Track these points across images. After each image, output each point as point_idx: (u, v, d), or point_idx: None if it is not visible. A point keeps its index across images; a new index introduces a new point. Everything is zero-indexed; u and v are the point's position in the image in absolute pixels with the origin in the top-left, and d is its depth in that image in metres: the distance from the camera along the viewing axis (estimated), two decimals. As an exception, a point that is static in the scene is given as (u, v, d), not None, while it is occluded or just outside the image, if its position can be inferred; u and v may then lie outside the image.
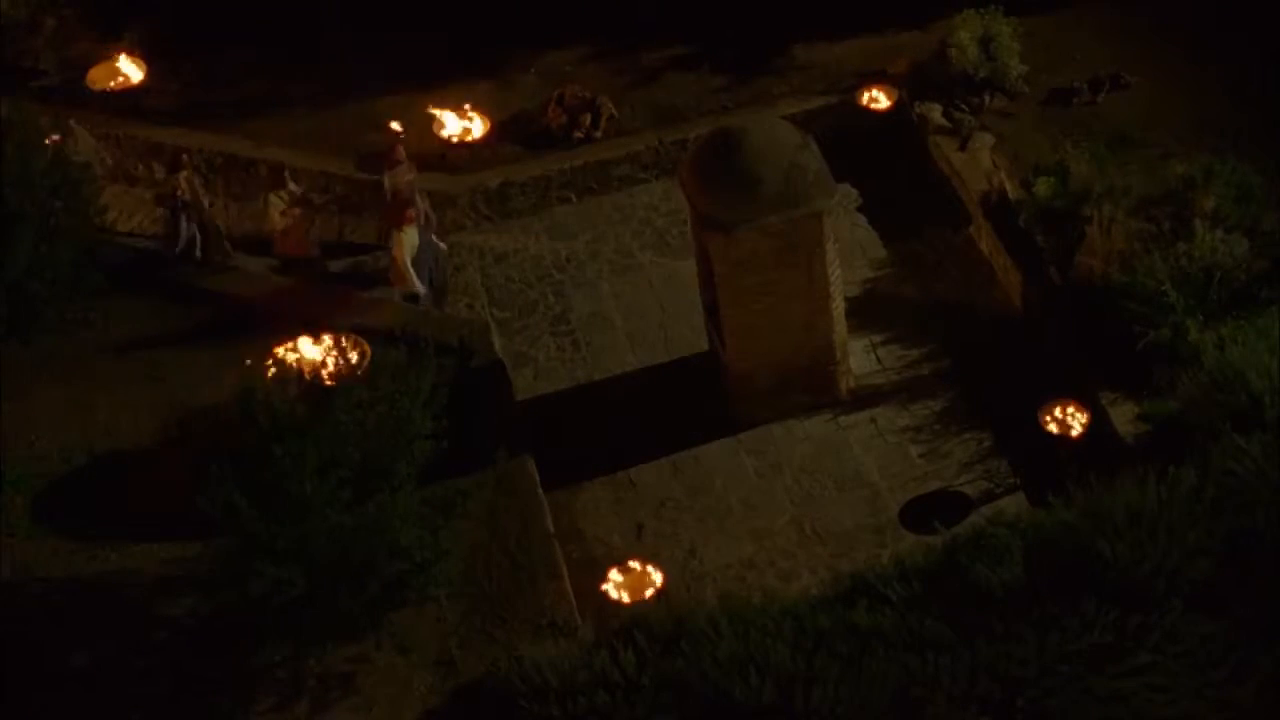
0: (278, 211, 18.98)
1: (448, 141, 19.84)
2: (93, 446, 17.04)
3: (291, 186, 19.10)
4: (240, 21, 21.93)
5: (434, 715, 14.70)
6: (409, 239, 18.07)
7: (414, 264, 18.17)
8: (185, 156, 19.34)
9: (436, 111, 19.58)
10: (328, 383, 15.28)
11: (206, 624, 15.10)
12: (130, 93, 20.92)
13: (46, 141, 18.34)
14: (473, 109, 19.81)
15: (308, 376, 15.57)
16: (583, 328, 19.01)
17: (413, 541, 14.47)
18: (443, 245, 18.86)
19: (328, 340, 15.83)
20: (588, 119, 20.70)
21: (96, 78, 20.85)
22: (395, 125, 19.29)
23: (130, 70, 20.75)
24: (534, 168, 20.41)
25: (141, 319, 18.32)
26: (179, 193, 18.88)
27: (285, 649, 14.80)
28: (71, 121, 19.65)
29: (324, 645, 14.86)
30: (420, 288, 18.33)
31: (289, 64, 21.72)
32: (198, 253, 19.04)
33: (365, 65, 21.51)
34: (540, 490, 16.50)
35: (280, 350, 16.04)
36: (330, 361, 15.54)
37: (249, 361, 15.62)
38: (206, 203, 19.28)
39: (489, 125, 19.92)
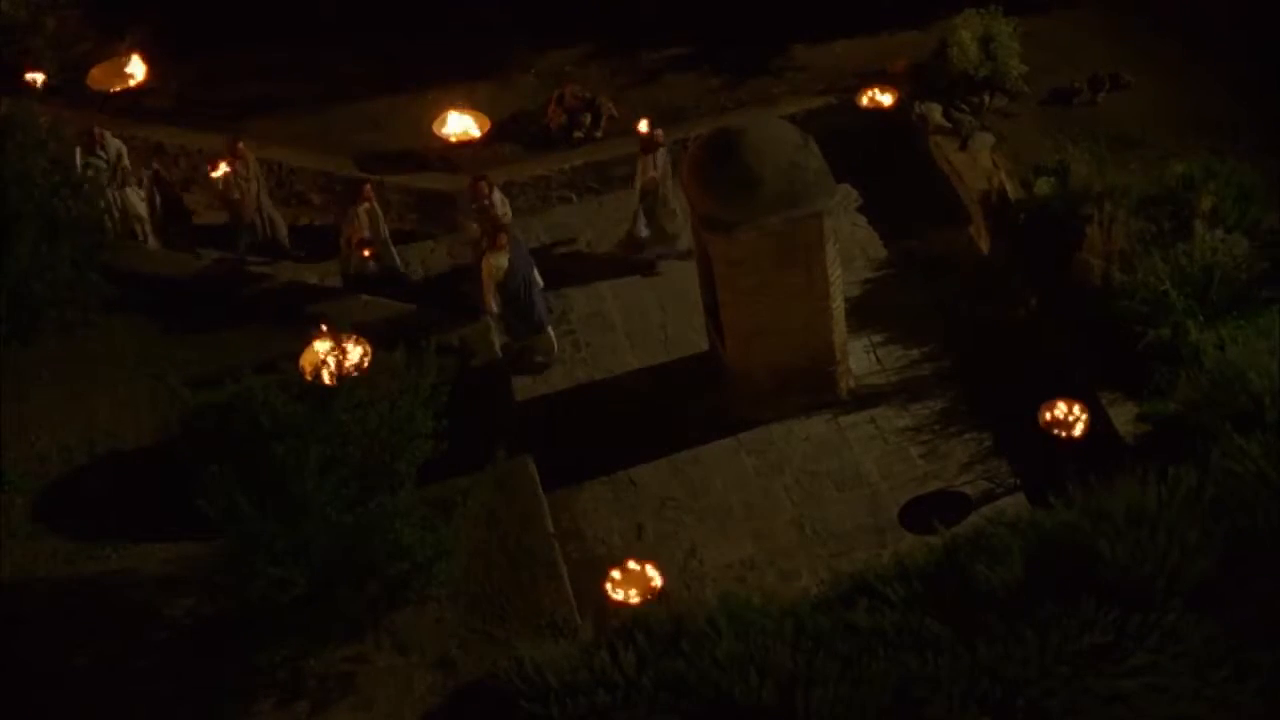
0: (364, 225, 18.82)
1: (447, 141, 19.87)
2: (93, 446, 17.05)
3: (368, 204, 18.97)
4: (240, 21, 21.96)
5: (434, 715, 14.69)
6: (497, 261, 17.83)
7: (501, 288, 17.92)
8: (367, 186, 19.08)
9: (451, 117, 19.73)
10: (328, 382, 15.27)
11: (206, 624, 15.10)
12: (130, 93, 20.97)
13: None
14: (473, 109, 19.91)
15: (309, 376, 15.57)
16: (583, 328, 19.01)
17: (413, 541, 14.48)
18: (539, 280, 18.47)
19: (328, 340, 15.79)
20: (588, 119, 20.71)
21: (96, 78, 20.89)
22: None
23: (130, 70, 20.80)
24: (534, 168, 20.41)
25: (142, 319, 18.33)
26: (358, 229, 18.84)
27: (285, 649, 14.80)
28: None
29: (324, 645, 14.87)
30: (494, 308, 18.10)
31: (289, 64, 21.74)
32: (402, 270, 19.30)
33: (365, 65, 21.53)
34: (540, 490, 16.50)
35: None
36: (331, 361, 15.51)
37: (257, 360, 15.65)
38: (385, 231, 19.26)
39: (488, 125, 19.98)
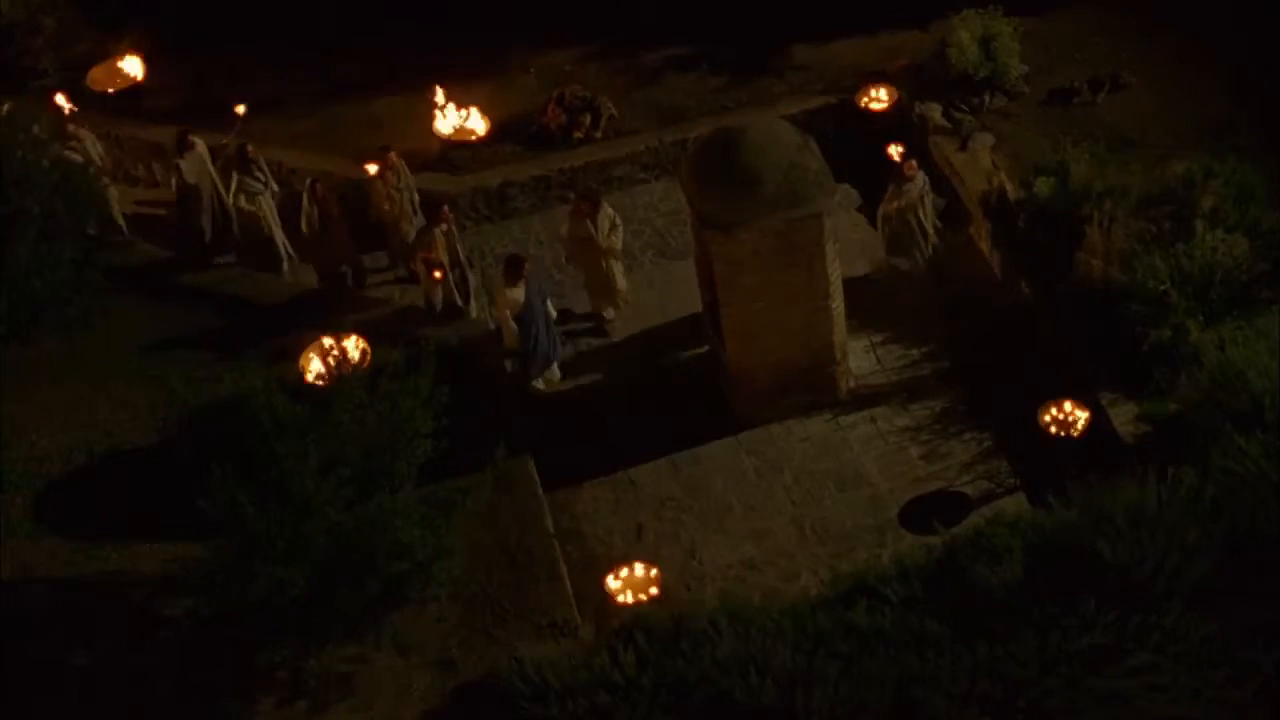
0: (441, 247, 18.51)
1: (447, 140, 19.86)
2: (93, 446, 17.04)
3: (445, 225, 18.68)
4: (240, 21, 21.95)
5: (434, 715, 14.69)
6: (514, 295, 17.73)
7: (519, 321, 17.84)
8: (445, 208, 18.66)
9: (439, 100, 19.61)
10: (328, 382, 15.28)
11: (207, 624, 15.09)
12: (130, 93, 20.96)
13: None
14: (473, 108, 19.89)
15: (309, 376, 15.58)
16: (583, 328, 18.99)
17: (413, 541, 14.47)
18: (553, 312, 18.45)
19: (329, 340, 15.82)
20: (588, 119, 20.71)
21: (96, 78, 20.89)
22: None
23: (130, 70, 20.80)
24: (534, 168, 20.42)
25: (142, 319, 18.33)
26: (436, 252, 18.45)
27: (285, 649, 14.78)
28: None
29: (324, 645, 14.86)
30: (513, 340, 17.99)
31: (289, 64, 21.74)
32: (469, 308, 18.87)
33: (365, 65, 21.53)
34: (540, 490, 16.51)
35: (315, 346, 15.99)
36: (331, 361, 15.52)
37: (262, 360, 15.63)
38: (464, 255, 18.93)
39: (489, 125, 19.98)
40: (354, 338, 16.04)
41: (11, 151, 17.37)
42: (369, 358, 15.81)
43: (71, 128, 19.49)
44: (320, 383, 15.44)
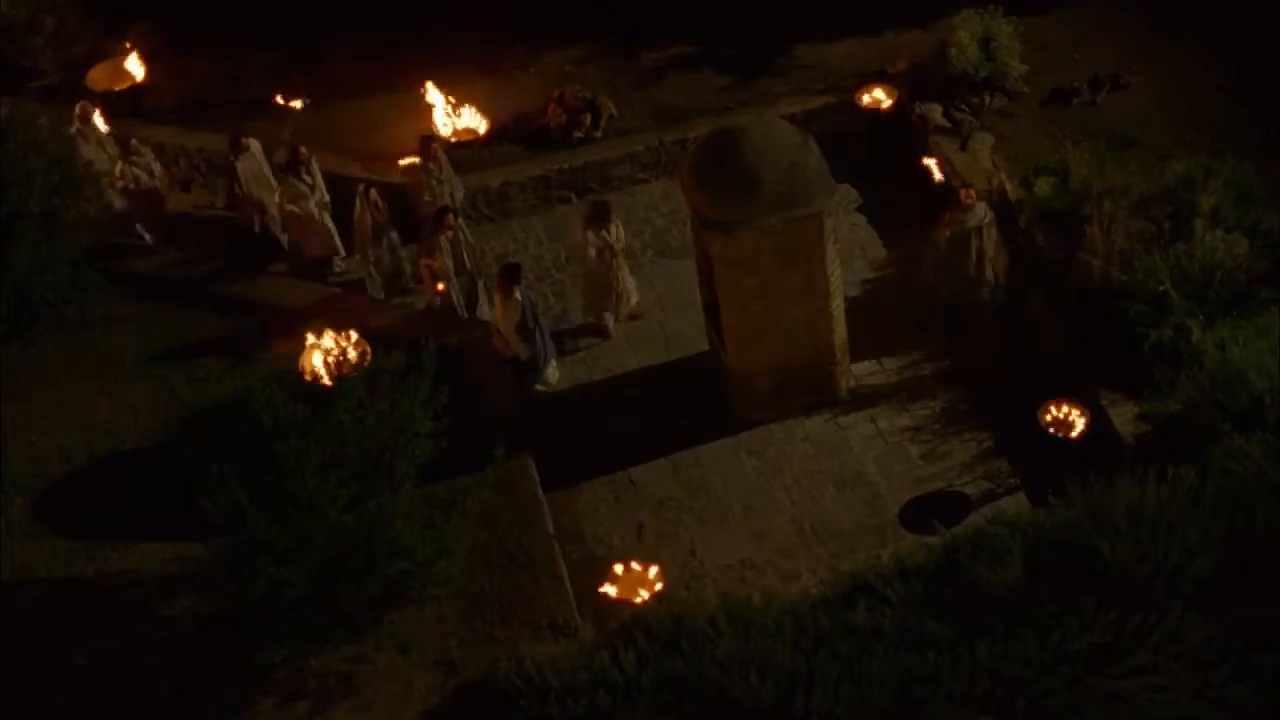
0: (447, 253, 18.41)
1: (447, 140, 19.86)
2: (93, 446, 17.05)
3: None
4: (240, 21, 21.95)
5: (434, 715, 14.69)
6: (513, 303, 17.58)
7: (521, 329, 17.74)
8: (450, 215, 18.19)
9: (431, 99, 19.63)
10: (328, 382, 15.27)
11: (206, 624, 15.10)
12: (130, 92, 20.97)
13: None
14: (470, 107, 19.89)
15: (309, 376, 15.57)
16: (582, 328, 18.99)
17: (413, 541, 14.47)
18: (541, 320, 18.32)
19: (329, 340, 15.81)
20: (588, 119, 20.70)
21: (97, 78, 20.89)
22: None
23: (131, 70, 20.80)
24: (534, 168, 20.41)
25: (142, 319, 18.34)
26: (440, 259, 18.23)
27: (285, 649, 14.79)
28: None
29: (324, 645, 14.86)
30: (522, 351, 17.91)
31: (289, 64, 21.73)
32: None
33: (365, 65, 21.52)
34: (540, 490, 16.50)
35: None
36: (331, 361, 15.52)
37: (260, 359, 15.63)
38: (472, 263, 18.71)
39: (489, 125, 19.98)
40: (354, 337, 16.02)
41: (11, 152, 17.38)
42: (369, 358, 15.80)
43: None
44: (320, 383, 15.43)
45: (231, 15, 22.01)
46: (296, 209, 19.19)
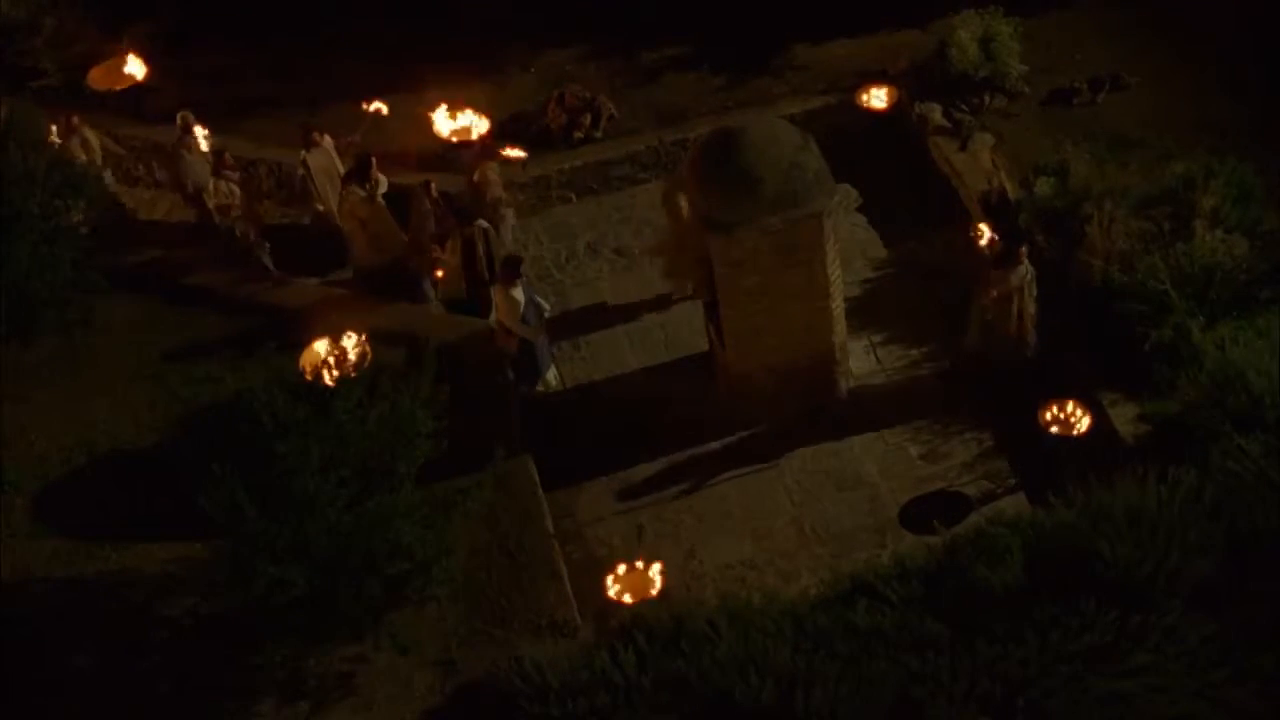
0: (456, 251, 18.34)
1: (447, 141, 19.84)
2: (93, 446, 17.04)
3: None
4: (240, 21, 21.95)
5: (434, 715, 14.69)
6: (514, 296, 17.44)
7: (525, 322, 17.64)
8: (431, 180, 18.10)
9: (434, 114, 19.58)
10: (328, 382, 15.28)
11: (206, 624, 15.10)
12: (130, 93, 20.96)
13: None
14: (471, 108, 19.86)
15: (309, 376, 15.58)
16: (582, 328, 19.00)
17: (413, 541, 14.47)
18: (546, 305, 18.24)
19: (329, 340, 15.82)
20: (588, 119, 20.71)
21: (96, 78, 20.88)
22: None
23: (131, 70, 20.79)
24: (534, 168, 20.40)
25: (142, 319, 18.33)
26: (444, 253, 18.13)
27: (285, 649, 14.78)
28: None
29: (324, 645, 14.86)
30: (531, 334, 17.73)
31: (289, 64, 21.73)
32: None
33: (365, 64, 21.51)
34: (540, 490, 16.50)
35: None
36: (331, 361, 15.52)
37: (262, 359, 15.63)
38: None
39: (489, 125, 19.95)
40: (354, 337, 16.02)
41: (11, 152, 17.38)
42: (369, 358, 15.80)
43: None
44: (320, 383, 15.43)
45: (231, 15, 21.99)
46: (361, 217, 18.65)
